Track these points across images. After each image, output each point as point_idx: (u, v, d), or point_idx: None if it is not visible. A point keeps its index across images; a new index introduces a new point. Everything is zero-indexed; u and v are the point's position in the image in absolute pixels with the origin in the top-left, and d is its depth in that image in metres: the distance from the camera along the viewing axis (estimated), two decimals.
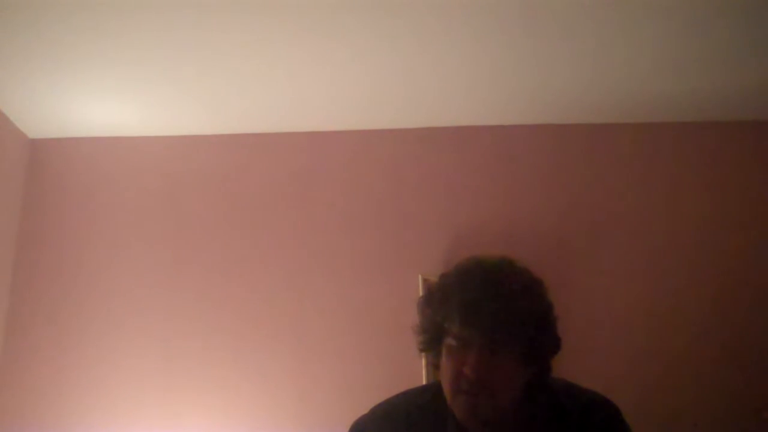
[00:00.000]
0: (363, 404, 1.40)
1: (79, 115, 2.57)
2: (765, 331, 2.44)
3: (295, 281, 2.55)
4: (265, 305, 2.53)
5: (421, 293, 2.44)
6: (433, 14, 2.01)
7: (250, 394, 2.43)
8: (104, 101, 2.48)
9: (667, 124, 2.67)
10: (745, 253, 2.52)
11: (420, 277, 2.48)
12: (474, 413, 1.19)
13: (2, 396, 2.44)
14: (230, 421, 2.40)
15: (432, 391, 1.31)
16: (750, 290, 2.48)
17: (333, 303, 2.52)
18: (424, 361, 2.33)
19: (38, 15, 1.98)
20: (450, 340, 1.21)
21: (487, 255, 1.28)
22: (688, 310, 2.46)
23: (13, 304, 2.54)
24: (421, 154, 2.68)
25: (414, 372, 2.33)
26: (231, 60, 2.24)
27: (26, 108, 2.51)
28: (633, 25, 2.06)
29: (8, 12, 1.96)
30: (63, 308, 2.53)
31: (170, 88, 2.40)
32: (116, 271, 2.58)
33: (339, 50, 2.19)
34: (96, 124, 2.64)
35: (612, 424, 1.29)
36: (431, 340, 1.26)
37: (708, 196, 2.59)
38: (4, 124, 2.55)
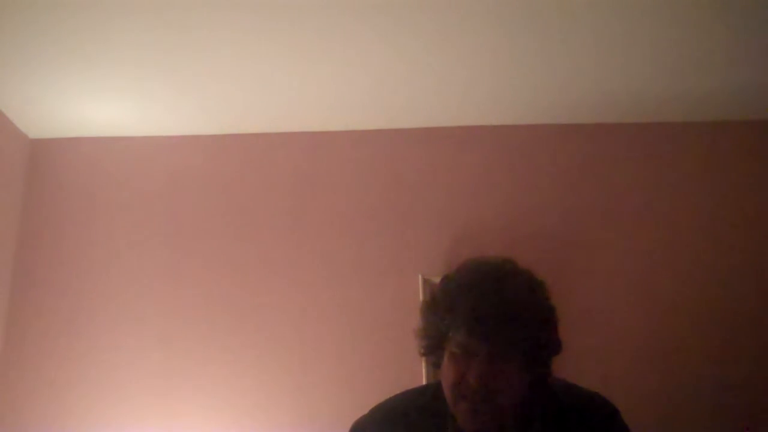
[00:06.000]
0: (363, 404, 1.40)
1: (79, 115, 2.57)
2: (765, 331, 2.44)
3: (295, 281, 2.55)
4: (265, 305, 2.53)
5: (421, 293, 2.44)
6: (433, 14, 2.01)
7: (250, 395, 2.43)
8: (104, 101, 2.48)
9: (667, 124, 2.67)
10: (745, 253, 2.52)
11: (420, 277, 2.48)
12: (477, 420, 1.19)
13: (2, 396, 2.44)
14: (230, 421, 2.40)
15: (431, 391, 1.31)
16: (750, 289, 2.48)
17: (333, 303, 2.52)
18: (424, 361, 2.33)
19: (38, 15, 1.98)
20: (453, 348, 1.20)
21: (488, 257, 1.28)
22: (689, 311, 2.46)
23: (13, 304, 2.53)
24: (421, 154, 2.68)
25: (414, 372, 2.33)
26: (231, 60, 2.24)
27: (26, 108, 2.51)
28: (633, 25, 2.06)
29: (8, 12, 1.96)
30: (63, 308, 2.53)
31: (170, 88, 2.40)
32: (116, 271, 2.58)
33: (339, 50, 2.19)
34: (96, 124, 2.63)
35: (611, 425, 1.29)
36: (433, 346, 1.25)
37: (708, 196, 2.59)
38: (4, 124, 2.55)
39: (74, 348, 2.49)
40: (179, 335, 2.49)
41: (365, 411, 1.38)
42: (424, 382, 2.30)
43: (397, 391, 1.40)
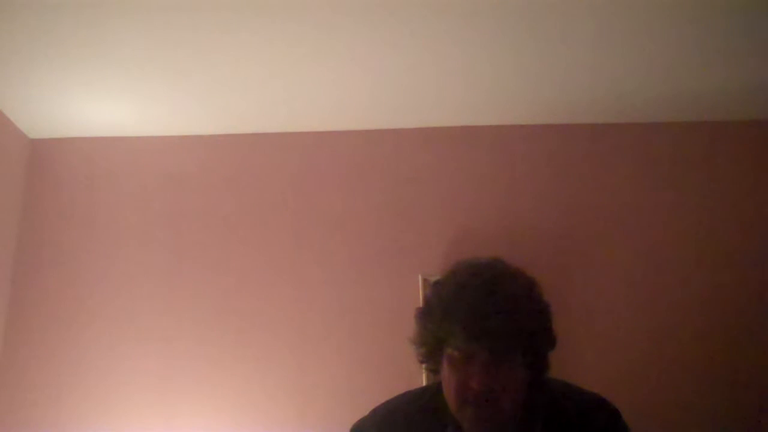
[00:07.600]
0: (363, 405, 1.40)
1: (79, 115, 2.57)
2: (765, 331, 2.44)
3: (295, 281, 2.55)
4: (264, 305, 2.53)
5: (421, 293, 2.44)
6: (434, 14, 2.00)
7: (250, 395, 2.43)
8: (104, 101, 2.48)
9: (667, 124, 2.67)
10: (745, 253, 2.52)
11: (420, 277, 2.48)
12: (482, 423, 1.19)
13: (2, 396, 2.44)
14: (230, 421, 2.40)
15: (431, 392, 1.32)
16: (750, 289, 2.48)
17: (333, 303, 2.52)
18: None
19: (38, 15, 1.98)
20: (452, 352, 1.20)
21: (478, 258, 1.28)
22: (688, 310, 2.46)
23: (13, 303, 2.54)
24: (421, 154, 2.68)
25: (414, 373, 2.32)
26: (231, 60, 2.24)
27: (26, 108, 2.51)
28: (633, 25, 2.06)
29: (8, 12, 1.96)
30: (63, 308, 2.53)
31: (170, 88, 2.40)
32: (116, 271, 2.58)
33: (339, 50, 2.19)
34: (96, 124, 2.63)
35: (611, 425, 1.30)
36: (431, 352, 1.25)
37: (708, 196, 2.59)
38: (4, 124, 2.55)
39: (74, 348, 2.49)
40: (179, 336, 2.49)
41: (365, 412, 1.39)
42: (424, 383, 2.30)
43: (398, 392, 1.40)
